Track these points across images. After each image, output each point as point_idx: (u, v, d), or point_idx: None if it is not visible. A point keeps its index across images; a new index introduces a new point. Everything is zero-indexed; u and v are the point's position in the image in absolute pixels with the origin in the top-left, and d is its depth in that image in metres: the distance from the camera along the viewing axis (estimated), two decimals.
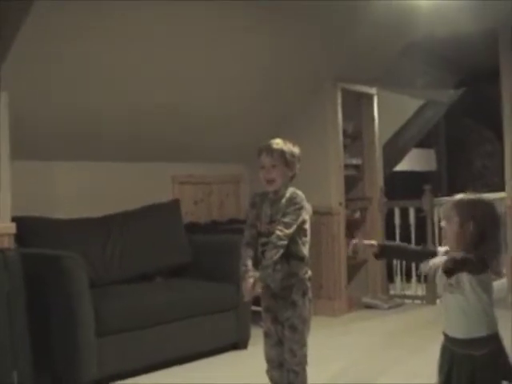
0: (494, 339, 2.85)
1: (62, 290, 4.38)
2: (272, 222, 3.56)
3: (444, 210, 2.83)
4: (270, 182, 3.58)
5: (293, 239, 3.53)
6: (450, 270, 2.60)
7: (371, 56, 6.74)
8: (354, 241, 3.18)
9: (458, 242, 2.80)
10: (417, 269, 6.05)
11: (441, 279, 2.91)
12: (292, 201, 3.56)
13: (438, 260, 2.61)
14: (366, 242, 3.10)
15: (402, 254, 3.19)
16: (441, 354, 2.97)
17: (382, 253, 3.03)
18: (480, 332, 2.81)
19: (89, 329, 4.40)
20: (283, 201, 3.57)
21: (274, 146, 3.58)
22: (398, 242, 3.55)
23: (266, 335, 3.71)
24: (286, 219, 3.51)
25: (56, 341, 4.47)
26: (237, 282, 5.29)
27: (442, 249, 3.01)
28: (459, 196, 2.89)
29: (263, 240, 3.59)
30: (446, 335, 2.92)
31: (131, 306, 4.76)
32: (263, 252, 3.56)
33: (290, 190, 3.62)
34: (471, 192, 2.93)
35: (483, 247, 2.75)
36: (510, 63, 6.61)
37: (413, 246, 3.26)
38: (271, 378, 3.72)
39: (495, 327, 2.87)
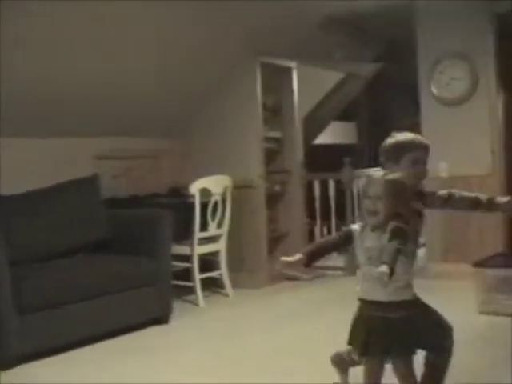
0: (412, 305, 2.94)
1: None
2: None
3: (373, 190, 2.92)
4: None
5: None
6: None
7: (289, 29, 6.77)
8: (283, 258, 3.19)
9: (389, 217, 2.89)
10: None
11: (360, 252, 2.99)
12: None
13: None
14: (292, 259, 3.15)
15: (326, 250, 3.28)
16: (353, 325, 3.02)
17: (310, 260, 3.13)
18: (400, 296, 2.89)
19: (8, 306, 4.36)
20: None
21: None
22: (316, 242, 3.64)
23: None
24: None
25: None
26: (156, 256, 5.32)
27: (356, 226, 3.09)
28: (380, 174, 2.99)
29: None
30: (362, 300, 2.99)
31: (52, 283, 4.72)
32: None
33: None
34: None
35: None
36: (426, 37, 6.71)
37: (329, 237, 3.37)
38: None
39: (414, 293, 2.97)
